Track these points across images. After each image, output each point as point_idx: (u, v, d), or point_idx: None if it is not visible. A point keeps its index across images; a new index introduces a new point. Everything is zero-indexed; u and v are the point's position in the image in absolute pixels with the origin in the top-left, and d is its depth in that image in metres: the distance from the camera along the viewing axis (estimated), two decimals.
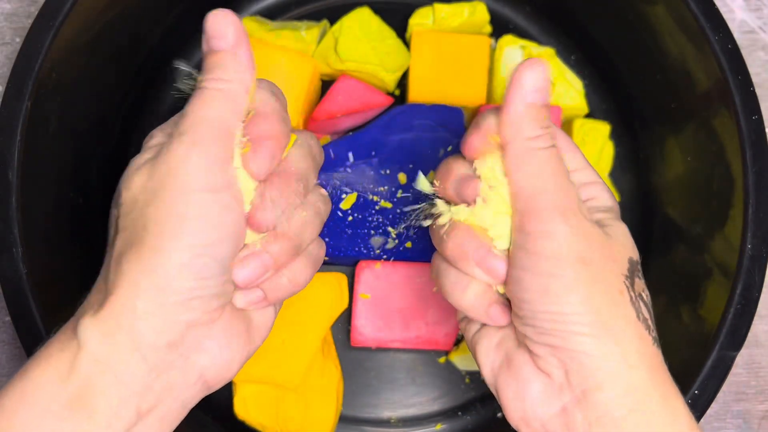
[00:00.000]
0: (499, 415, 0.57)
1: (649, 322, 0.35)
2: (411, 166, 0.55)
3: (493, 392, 0.37)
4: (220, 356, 0.35)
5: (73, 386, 0.31)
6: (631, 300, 0.34)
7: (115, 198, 0.35)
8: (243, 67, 0.36)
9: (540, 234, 0.34)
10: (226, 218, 0.34)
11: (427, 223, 0.39)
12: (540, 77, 0.34)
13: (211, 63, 0.36)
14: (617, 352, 0.33)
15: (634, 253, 0.36)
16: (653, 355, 0.34)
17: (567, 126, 0.58)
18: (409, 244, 0.54)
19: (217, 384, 0.35)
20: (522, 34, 0.63)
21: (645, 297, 0.36)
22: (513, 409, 0.35)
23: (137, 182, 0.34)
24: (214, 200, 0.33)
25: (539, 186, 0.34)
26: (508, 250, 0.35)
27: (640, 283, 0.36)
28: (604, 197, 0.38)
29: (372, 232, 0.54)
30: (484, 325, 0.38)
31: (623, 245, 0.36)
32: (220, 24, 0.36)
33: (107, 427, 0.31)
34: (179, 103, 0.42)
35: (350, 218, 0.54)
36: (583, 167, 0.38)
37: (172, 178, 0.33)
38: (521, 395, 0.35)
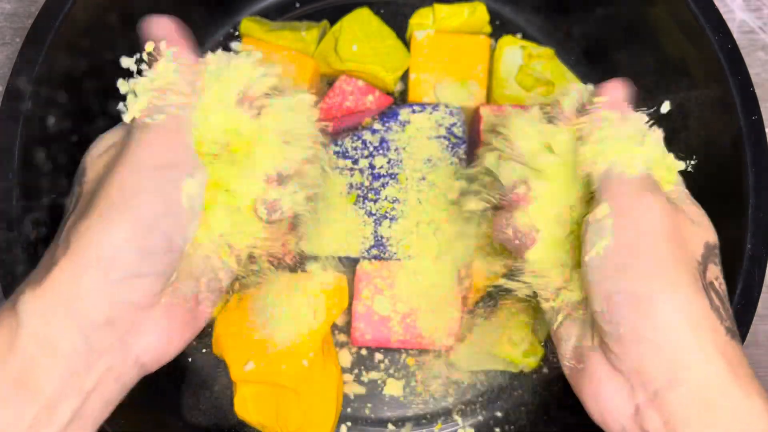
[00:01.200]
0: (499, 414, 0.57)
1: (722, 311, 0.33)
2: (411, 165, 0.55)
3: (574, 389, 0.37)
4: (158, 341, 0.35)
5: (13, 366, 0.30)
6: (704, 287, 0.33)
7: (78, 176, 0.37)
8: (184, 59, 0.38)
9: (630, 207, 0.34)
10: (176, 194, 0.34)
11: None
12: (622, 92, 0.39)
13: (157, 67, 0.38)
14: (688, 344, 0.32)
15: (711, 236, 0.35)
16: (730, 348, 0.33)
17: None
18: (407, 246, 0.54)
19: (153, 367, 0.35)
20: (522, 34, 0.63)
21: (717, 285, 0.34)
22: (592, 410, 0.35)
23: (100, 162, 0.36)
24: (164, 176, 0.34)
25: (629, 162, 0.36)
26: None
27: (714, 270, 0.34)
28: (676, 179, 0.38)
29: (372, 231, 0.54)
30: (562, 322, 0.38)
31: (705, 227, 0.36)
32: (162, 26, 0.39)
33: (53, 408, 0.31)
34: None
35: (349, 217, 0.54)
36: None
37: (128, 156, 0.34)
38: (597, 396, 0.35)
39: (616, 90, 0.39)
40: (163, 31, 0.38)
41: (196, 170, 0.35)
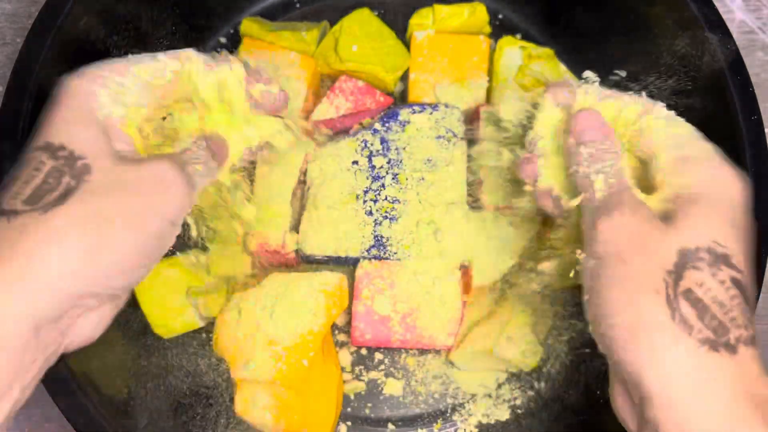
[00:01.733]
0: (499, 414, 0.57)
1: (693, 321, 0.31)
2: (411, 165, 0.55)
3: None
4: (91, 331, 0.36)
5: None
6: (668, 299, 0.32)
7: (65, 158, 0.34)
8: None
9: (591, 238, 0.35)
10: (170, 238, 0.37)
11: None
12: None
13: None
14: (647, 361, 0.31)
15: (692, 241, 0.33)
16: (705, 360, 0.31)
17: None
18: (407, 246, 0.54)
19: (73, 349, 0.36)
20: (522, 34, 0.63)
21: (701, 292, 0.32)
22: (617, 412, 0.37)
23: (117, 175, 0.36)
24: (176, 209, 0.37)
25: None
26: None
27: (696, 276, 0.32)
28: (693, 175, 0.37)
29: (372, 231, 0.54)
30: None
31: (676, 233, 0.34)
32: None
33: None
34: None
35: (349, 217, 0.54)
36: (690, 139, 0.39)
37: (152, 197, 0.36)
38: (615, 402, 0.36)
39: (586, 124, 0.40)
40: None
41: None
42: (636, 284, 0.33)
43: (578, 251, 0.37)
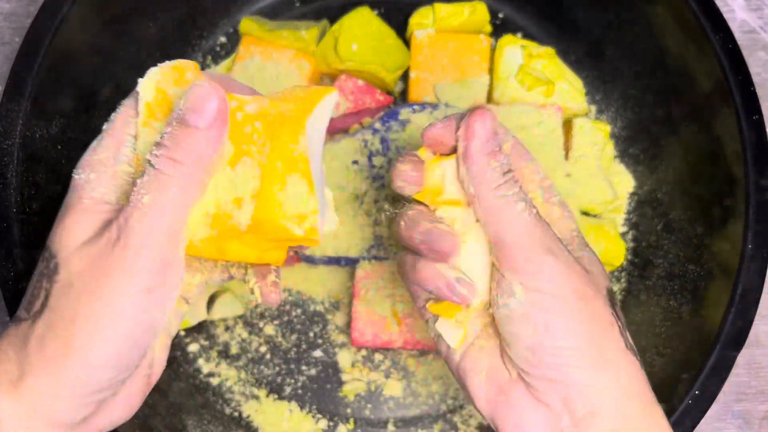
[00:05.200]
0: None
1: (634, 347, 0.36)
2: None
3: (490, 423, 0.37)
4: (121, 416, 0.36)
5: None
6: (620, 330, 0.36)
7: (47, 260, 0.34)
8: (208, 152, 0.33)
9: (535, 272, 0.34)
10: (157, 314, 0.34)
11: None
12: (488, 125, 0.35)
13: (176, 137, 0.33)
14: (614, 383, 0.34)
15: (608, 281, 0.38)
16: (643, 383, 0.36)
17: (567, 126, 0.58)
18: None
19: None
20: (522, 34, 0.63)
21: (623, 324, 0.37)
22: None
23: (77, 264, 0.33)
24: (149, 300, 0.33)
25: (520, 230, 0.35)
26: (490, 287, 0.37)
27: (617, 311, 0.37)
28: (570, 224, 0.39)
29: (372, 231, 0.54)
30: (466, 353, 0.38)
31: (600, 274, 0.37)
32: (202, 100, 0.33)
33: None
34: None
35: (349, 217, 0.54)
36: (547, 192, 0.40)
37: (114, 280, 0.32)
38: (521, 426, 0.35)
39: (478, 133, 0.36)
40: (212, 105, 0.34)
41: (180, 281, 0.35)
42: (596, 320, 0.35)
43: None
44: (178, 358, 0.56)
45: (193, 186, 0.33)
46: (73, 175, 0.36)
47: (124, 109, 0.37)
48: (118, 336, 0.32)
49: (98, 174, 0.35)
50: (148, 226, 0.32)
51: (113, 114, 0.37)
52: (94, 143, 0.36)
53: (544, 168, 0.40)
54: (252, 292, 0.38)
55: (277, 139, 0.34)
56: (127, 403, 0.35)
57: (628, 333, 0.37)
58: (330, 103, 0.37)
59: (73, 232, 0.33)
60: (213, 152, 0.33)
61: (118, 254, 0.32)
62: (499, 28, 0.62)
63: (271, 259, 0.37)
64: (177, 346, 0.56)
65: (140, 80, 0.36)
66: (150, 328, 0.34)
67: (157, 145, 0.33)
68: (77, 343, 0.32)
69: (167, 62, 0.37)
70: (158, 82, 0.36)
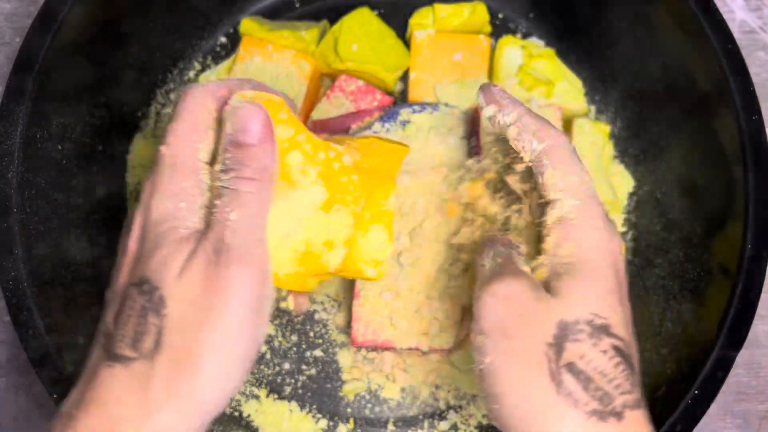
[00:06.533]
0: None
1: (578, 394, 0.32)
2: (411, 165, 0.55)
3: None
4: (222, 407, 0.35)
5: None
6: (552, 374, 0.32)
7: (147, 293, 0.33)
8: (271, 164, 0.35)
9: (478, 307, 0.35)
10: (263, 327, 0.34)
11: None
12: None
13: (239, 158, 0.34)
14: None
15: (570, 313, 0.34)
16: (589, 431, 0.32)
17: (567, 126, 0.58)
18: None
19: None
20: (522, 34, 0.63)
21: (583, 364, 0.33)
22: None
23: (184, 294, 0.32)
24: (258, 316, 0.33)
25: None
26: None
27: (578, 348, 0.33)
28: (570, 244, 0.36)
29: None
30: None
31: (556, 305, 0.34)
32: (250, 119, 0.35)
33: None
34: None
35: None
36: (576, 191, 0.37)
37: (227, 301, 0.32)
38: None
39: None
40: (258, 122, 0.35)
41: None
42: (521, 361, 0.33)
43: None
44: None
45: (267, 197, 0.35)
46: (153, 202, 0.34)
47: (185, 133, 0.36)
48: (238, 358, 0.33)
49: (189, 203, 0.34)
50: (243, 239, 0.33)
51: (169, 136, 0.36)
52: (163, 169, 0.35)
53: None
54: (285, 299, 0.40)
55: (371, 197, 0.38)
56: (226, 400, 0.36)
57: (578, 376, 0.32)
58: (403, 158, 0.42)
59: (172, 263, 0.33)
60: (274, 163, 0.35)
61: (223, 274, 0.32)
62: (499, 28, 0.62)
63: (315, 282, 0.40)
64: None
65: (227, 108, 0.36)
66: (259, 343, 0.34)
67: (224, 171, 0.34)
68: (205, 375, 0.32)
69: (259, 93, 0.37)
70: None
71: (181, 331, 0.32)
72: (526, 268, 0.36)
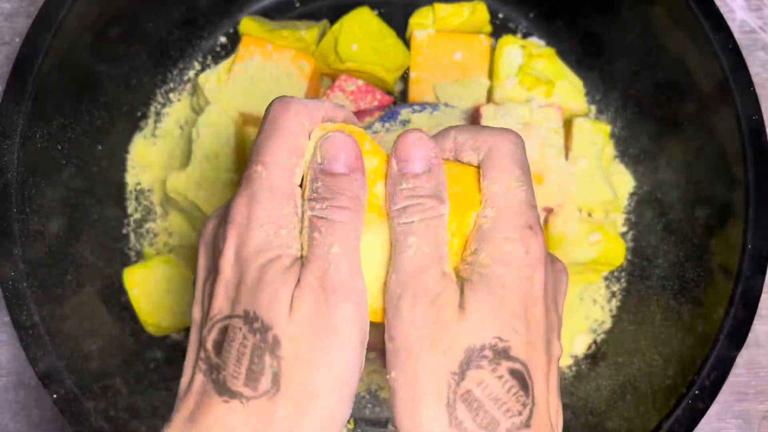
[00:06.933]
0: None
1: (468, 423, 0.32)
2: None
3: None
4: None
5: None
6: (448, 404, 0.32)
7: (259, 332, 0.32)
8: (363, 193, 0.34)
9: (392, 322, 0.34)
10: (362, 359, 0.33)
11: None
12: (416, 146, 0.35)
13: (331, 187, 0.34)
14: None
15: (478, 338, 0.33)
16: None
17: (567, 126, 0.58)
18: None
19: None
20: (522, 34, 0.63)
21: (480, 390, 0.32)
22: None
23: (296, 332, 0.32)
24: (361, 349, 0.33)
25: (407, 270, 0.34)
26: None
27: (477, 375, 0.32)
28: (484, 254, 0.34)
29: None
30: None
31: (468, 326, 0.33)
32: (340, 148, 0.34)
33: None
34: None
35: None
36: (492, 204, 0.35)
37: (340, 342, 0.32)
38: None
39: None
40: (350, 152, 0.35)
41: None
42: (421, 387, 0.32)
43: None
44: (179, 358, 0.56)
45: (360, 227, 0.34)
46: (251, 228, 0.33)
47: (284, 153, 0.34)
48: (350, 395, 0.33)
49: (289, 231, 0.33)
50: (347, 274, 0.33)
51: (265, 155, 0.34)
52: (261, 192, 0.34)
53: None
54: None
55: (461, 221, 0.36)
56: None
57: (478, 403, 0.32)
58: None
59: (282, 298, 0.32)
60: (365, 193, 0.34)
61: (332, 312, 0.32)
62: (499, 28, 0.62)
63: None
64: (178, 346, 0.56)
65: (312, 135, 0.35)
66: (359, 374, 0.33)
67: (315, 200, 0.33)
68: (324, 415, 0.32)
69: (341, 125, 0.36)
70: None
71: (299, 372, 0.32)
72: (449, 269, 0.34)
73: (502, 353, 0.33)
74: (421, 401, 0.32)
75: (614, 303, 0.58)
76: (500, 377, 0.32)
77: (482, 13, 0.60)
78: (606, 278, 0.58)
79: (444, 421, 0.32)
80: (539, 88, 0.58)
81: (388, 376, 0.33)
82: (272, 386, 0.31)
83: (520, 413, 0.32)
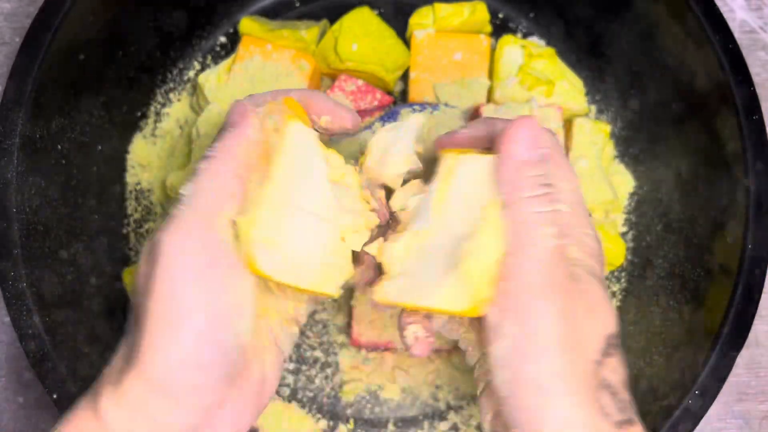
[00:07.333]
0: None
1: (611, 408, 0.32)
2: None
3: None
4: (230, 430, 0.34)
5: None
6: (593, 390, 0.32)
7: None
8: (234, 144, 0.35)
9: (526, 313, 0.32)
10: (226, 304, 0.32)
11: None
12: (532, 132, 0.34)
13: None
14: None
15: (610, 325, 0.33)
16: None
17: (567, 126, 0.58)
18: None
19: None
20: (522, 34, 0.63)
21: (613, 377, 0.33)
22: None
23: (139, 270, 0.33)
24: (209, 285, 0.32)
25: (537, 258, 0.33)
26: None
27: (611, 362, 0.33)
28: (588, 250, 0.35)
29: None
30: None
31: (599, 316, 0.33)
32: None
33: None
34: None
35: None
36: (575, 205, 0.35)
37: (161, 264, 0.31)
38: None
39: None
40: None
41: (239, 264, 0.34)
42: (566, 377, 0.32)
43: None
44: None
45: (223, 173, 0.34)
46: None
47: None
48: (187, 330, 0.32)
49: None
50: (193, 210, 0.33)
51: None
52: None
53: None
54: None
55: None
56: (237, 418, 0.35)
57: (612, 388, 0.32)
58: None
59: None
60: (238, 145, 0.35)
61: (158, 238, 0.32)
62: (499, 28, 0.62)
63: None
64: None
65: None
66: (223, 324, 0.32)
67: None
68: (156, 343, 0.31)
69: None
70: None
71: (137, 307, 0.33)
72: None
73: (618, 338, 0.34)
74: (573, 392, 0.31)
75: (614, 303, 0.58)
76: (621, 361, 0.33)
77: (482, 13, 0.60)
78: (606, 278, 0.58)
79: (591, 413, 0.31)
80: (539, 88, 0.58)
81: (504, 375, 0.32)
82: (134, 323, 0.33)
83: (623, 410, 0.33)
